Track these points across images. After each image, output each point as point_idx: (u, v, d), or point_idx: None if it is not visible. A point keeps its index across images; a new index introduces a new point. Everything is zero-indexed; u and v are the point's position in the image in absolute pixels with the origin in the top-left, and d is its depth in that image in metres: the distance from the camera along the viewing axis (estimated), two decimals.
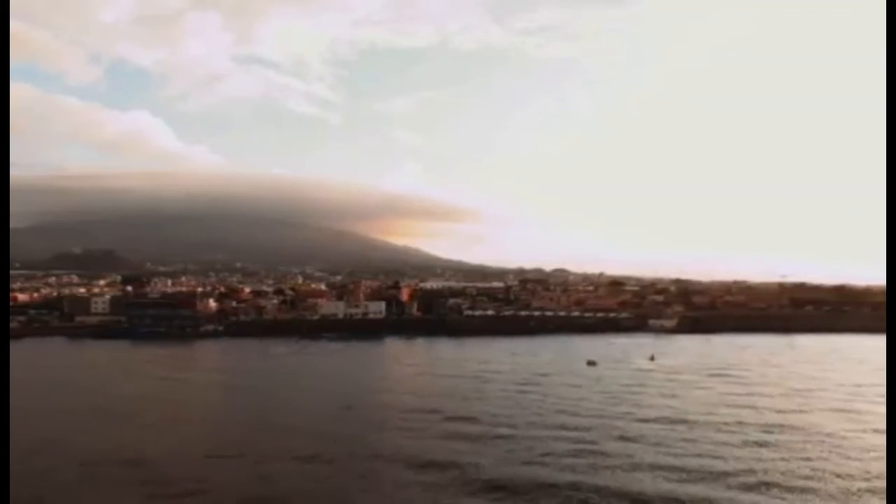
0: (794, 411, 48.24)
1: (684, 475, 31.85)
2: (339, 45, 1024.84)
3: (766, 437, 40.08)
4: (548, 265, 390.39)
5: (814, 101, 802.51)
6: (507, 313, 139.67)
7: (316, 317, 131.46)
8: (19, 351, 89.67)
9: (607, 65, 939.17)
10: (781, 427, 42.67)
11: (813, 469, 33.24)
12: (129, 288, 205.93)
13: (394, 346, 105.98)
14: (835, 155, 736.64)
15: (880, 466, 32.56)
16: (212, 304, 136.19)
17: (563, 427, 42.41)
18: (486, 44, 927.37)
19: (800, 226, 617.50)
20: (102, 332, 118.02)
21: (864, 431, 41.68)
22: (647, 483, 30.62)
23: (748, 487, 30.00)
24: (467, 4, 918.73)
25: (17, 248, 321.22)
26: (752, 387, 59.54)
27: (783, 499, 28.84)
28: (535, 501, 28.48)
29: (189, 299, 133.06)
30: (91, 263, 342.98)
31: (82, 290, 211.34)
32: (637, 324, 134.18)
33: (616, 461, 34.20)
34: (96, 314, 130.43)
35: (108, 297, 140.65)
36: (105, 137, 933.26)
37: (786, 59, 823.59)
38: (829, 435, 40.72)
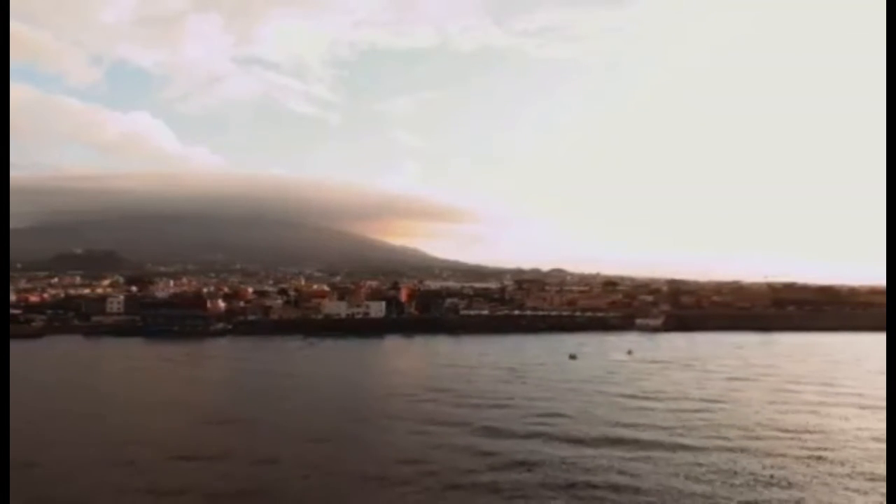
0: (732, 391, 58.50)
1: (621, 427, 42.56)
2: (339, 46, 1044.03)
3: (690, 405, 50.81)
4: (546, 265, 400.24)
5: (814, 101, 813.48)
6: (501, 313, 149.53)
7: (320, 316, 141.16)
8: (49, 348, 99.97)
9: (606, 65, 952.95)
10: (712, 401, 52.90)
11: (707, 424, 44.55)
12: (134, 288, 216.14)
13: (394, 344, 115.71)
14: (834, 155, 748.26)
15: (765, 422, 42.88)
16: (220, 304, 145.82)
17: (537, 398, 53.03)
18: (485, 45, 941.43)
19: (800, 226, 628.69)
20: (118, 330, 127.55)
21: (786, 403, 51.79)
22: (589, 432, 40.88)
23: (666, 445, 40.14)
24: (467, 6, 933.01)
25: (19, 248, 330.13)
26: (706, 373, 69.54)
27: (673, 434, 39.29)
28: (509, 439, 38.90)
29: (200, 299, 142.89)
30: (92, 264, 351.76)
31: (87, 290, 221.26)
32: (624, 323, 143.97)
33: (569, 419, 44.91)
34: (111, 314, 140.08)
35: (122, 297, 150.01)
36: (105, 138, 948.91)
37: (785, 60, 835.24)
38: (743, 405, 51.20)
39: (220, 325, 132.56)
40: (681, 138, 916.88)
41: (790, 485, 31.60)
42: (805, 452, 37.25)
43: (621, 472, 32.99)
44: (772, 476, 32.84)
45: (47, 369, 76.74)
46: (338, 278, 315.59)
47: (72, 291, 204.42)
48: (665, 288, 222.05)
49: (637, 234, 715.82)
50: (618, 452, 36.88)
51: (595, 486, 30.84)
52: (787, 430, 43.26)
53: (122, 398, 57.35)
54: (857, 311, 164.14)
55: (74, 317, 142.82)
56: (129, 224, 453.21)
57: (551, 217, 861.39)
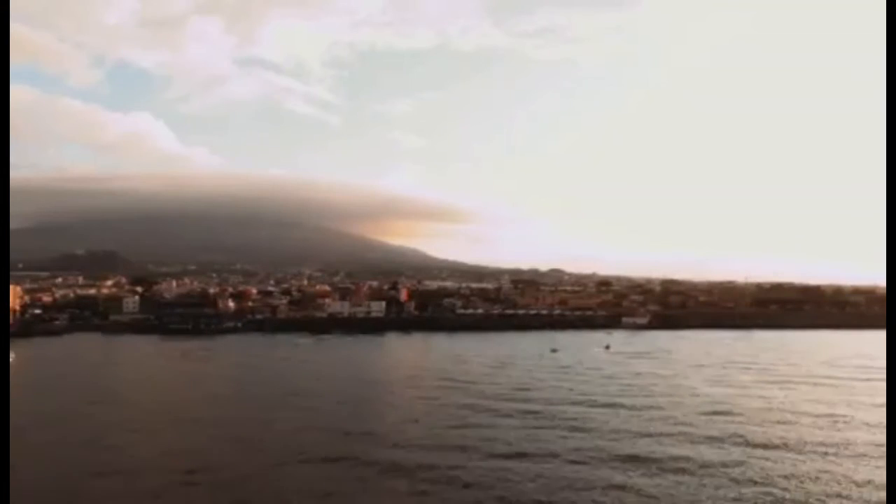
0: (678, 373, 70.95)
1: (575, 394, 56.03)
2: (339, 47, 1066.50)
3: (639, 380, 63.59)
4: (544, 265, 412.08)
5: (813, 101, 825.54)
6: (495, 312, 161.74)
7: (324, 315, 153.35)
8: (76, 344, 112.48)
9: (606, 66, 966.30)
10: (658, 380, 65.51)
11: (644, 394, 58.02)
12: (140, 288, 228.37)
13: (394, 340, 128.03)
14: (834, 155, 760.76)
15: (686, 391, 55.39)
16: (230, 303, 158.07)
17: (515, 380, 66.32)
18: (485, 45, 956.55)
19: (800, 226, 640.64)
20: (135, 328, 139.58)
21: (716, 381, 64.31)
22: (551, 398, 53.66)
23: (599, 403, 53.12)
24: (467, 7, 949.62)
25: (20, 249, 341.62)
26: (667, 362, 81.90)
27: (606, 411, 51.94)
28: (488, 399, 52.10)
29: (211, 299, 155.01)
30: (94, 264, 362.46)
31: (92, 290, 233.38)
32: (612, 321, 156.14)
33: (536, 391, 57.98)
34: (128, 313, 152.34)
35: (137, 298, 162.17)
36: (106, 139, 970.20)
37: (784, 60, 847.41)
38: (680, 382, 63.68)
39: (231, 323, 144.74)
40: (680, 138, 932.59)
41: (672, 421, 43.99)
42: (701, 409, 50.03)
43: (562, 417, 45.82)
44: (669, 418, 46.01)
45: (88, 362, 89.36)
46: (338, 278, 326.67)
47: (80, 292, 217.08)
48: (658, 288, 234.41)
49: (637, 235, 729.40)
50: (564, 408, 49.94)
51: (541, 417, 43.22)
52: (696, 396, 56.90)
53: (180, 385, 69.84)
54: (834, 310, 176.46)
55: (92, 315, 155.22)
56: (129, 225, 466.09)
57: (551, 217, 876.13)
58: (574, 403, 54.07)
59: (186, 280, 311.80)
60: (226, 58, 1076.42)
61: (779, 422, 47.62)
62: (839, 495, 31.04)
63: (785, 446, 40.14)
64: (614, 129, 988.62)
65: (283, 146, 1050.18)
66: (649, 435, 42.23)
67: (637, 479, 32.95)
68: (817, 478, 33.70)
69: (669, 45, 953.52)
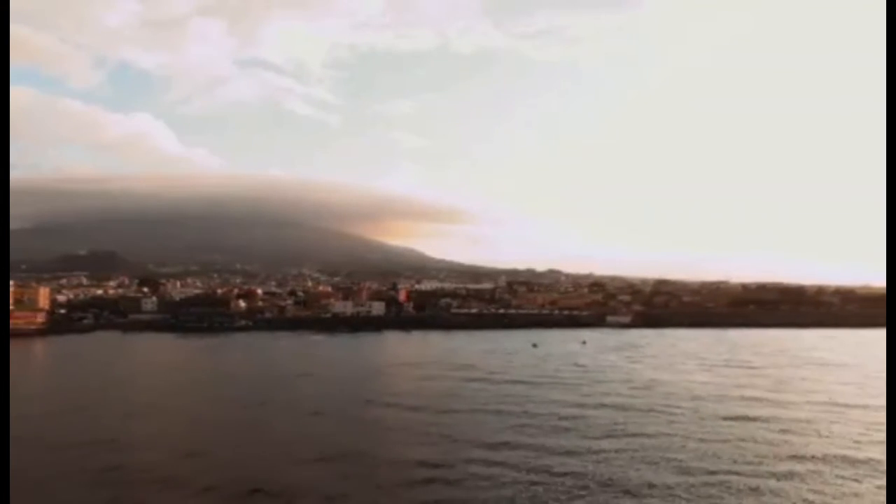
0: (632, 363, 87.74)
1: (539, 377, 71.96)
2: (340, 48, 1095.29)
3: (599, 369, 80.00)
4: (542, 265, 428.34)
5: (813, 102, 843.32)
6: (488, 311, 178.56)
7: (328, 315, 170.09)
8: (106, 342, 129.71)
9: (606, 67, 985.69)
10: (606, 369, 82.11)
11: (599, 380, 73.37)
12: (146, 289, 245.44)
13: (394, 338, 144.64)
14: (834, 155, 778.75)
15: (635, 377, 71.95)
16: (241, 303, 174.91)
17: (495, 366, 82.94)
18: (484, 46, 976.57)
19: (800, 226, 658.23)
20: (154, 326, 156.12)
21: (665, 369, 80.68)
22: (520, 378, 70.03)
23: (548, 381, 69.72)
24: (466, 8, 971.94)
25: (22, 249, 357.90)
26: (634, 356, 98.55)
27: (557, 387, 67.88)
28: (473, 381, 68.30)
29: (221, 300, 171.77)
30: (95, 265, 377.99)
31: (99, 291, 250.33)
32: (597, 320, 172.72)
33: (510, 374, 74.51)
34: (146, 312, 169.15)
35: (154, 298, 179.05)
36: (107, 140, 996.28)
37: (784, 60, 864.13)
38: (631, 370, 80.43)
39: (243, 322, 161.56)
40: (680, 139, 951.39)
41: (609, 406, 60.27)
42: (637, 393, 65.95)
43: (524, 396, 62.11)
44: (595, 392, 62.56)
45: (127, 355, 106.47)
46: (337, 279, 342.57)
47: (87, 292, 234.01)
48: (647, 289, 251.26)
49: (636, 234, 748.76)
50: (523, 389, 66.31)
51: (501, 388, 59.81)
52: (631, 377, 73.25)
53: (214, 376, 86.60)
54: (809, 309, 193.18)
55: (110, 315, 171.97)
56: (129, 225, 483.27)
57: (549, 217, 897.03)
58: (539, 385, 69.07)
59: (189, 280, 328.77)
60: (227, 59, 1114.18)
61: (670, 393, 63.39)
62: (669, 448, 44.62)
63: (653, 411, 54.73)
64: (613, 130, 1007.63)
65: (283, 147, 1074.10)
66: (567, 403, 58.16)
67: (528, 426, 48.95)
68: (659, 434, 47.64)
69: (669, 46, 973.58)
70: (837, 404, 59.00)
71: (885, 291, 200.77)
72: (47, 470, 37.30)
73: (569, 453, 40.91)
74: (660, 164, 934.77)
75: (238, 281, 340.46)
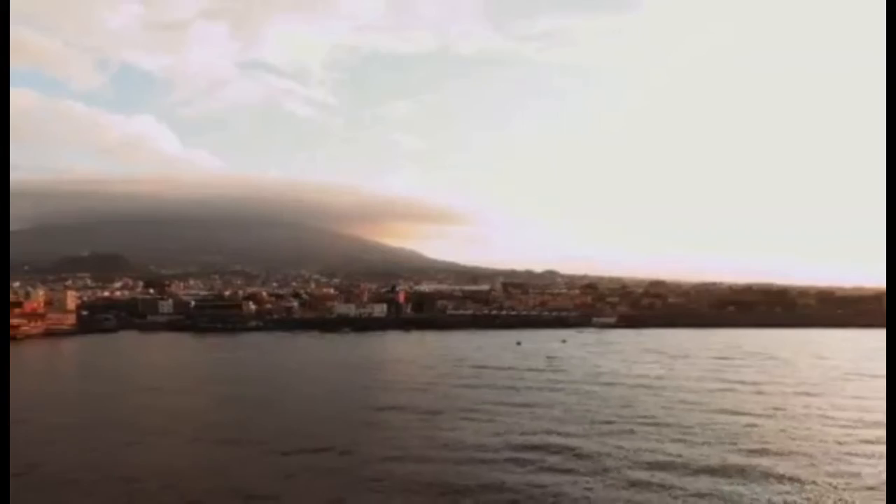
0: (600, 358, 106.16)
1: (519, 369, 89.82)
2: (340, 50, 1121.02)
3: (571, 362, 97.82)
4: (540, 267, 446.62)
5: (814, 101, 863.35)
6: (483, 312, 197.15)
7: (333, 316, 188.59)
8: (133, 340, 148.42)
9: (604, 70, 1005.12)
10: (576, 363, 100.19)
11: (571, 369, 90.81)
12: (152, 290, 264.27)
13: (395, 337, 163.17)
14: (834, 155, 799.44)
15: (600, 370, 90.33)
16: (252, 305, 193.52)
17: (480, 359, 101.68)
18: (485, 49, 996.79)
19: (800, 226, 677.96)
20: (172, 326, 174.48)
21: (628, 362, 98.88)
22: (500, 365, 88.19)
23: (534, 368, 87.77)
24: (467, 10, 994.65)
25: (24, 250, 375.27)
26: (607, 352, 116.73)
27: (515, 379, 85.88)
28: (461, 368, 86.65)
29: (235, 302, 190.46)
30: (98, 266, 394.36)
31: (106, 293, 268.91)
32: (584, 320, 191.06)
33: (490, 364, 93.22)
34: (164, 313, 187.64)
35: (171, 300, 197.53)
36: (109, 142, 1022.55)
37: (784, 60, 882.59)
38: (588, 362, 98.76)
39: (254, 323, 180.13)
40: (679, 141, 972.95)
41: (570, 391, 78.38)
42: (586, 375, 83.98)
43: (504, 381, 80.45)
44: (557, 380, 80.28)
45: (154, 351, 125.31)
46: (337, 280, 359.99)
47: (105, 293, 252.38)
48: (640, 290, 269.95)
49: (636, 236, 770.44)
50: (506, 373, 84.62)
51: (483, 375, 78.01)
52: (603, 374, 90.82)
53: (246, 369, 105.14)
54: (783, 311, 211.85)
55: (128, 316, 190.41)
56: (130, 226, 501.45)
57: (548, 219, 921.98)
58: (518, 370, 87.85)
59: (192, 282, 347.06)
60: (228, 61, 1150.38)
61: (611, 383, 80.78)
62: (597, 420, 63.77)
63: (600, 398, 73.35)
64: (613, 132, 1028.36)
65: (284, 148, 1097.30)
66: (532, 388, 76.36)
67: (499, 399, 67.41)
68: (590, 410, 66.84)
69: (667, 48, 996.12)
70: (728, 381, 78.59)
71: (872, 292, 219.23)
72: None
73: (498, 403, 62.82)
74: (660, 166, 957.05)
75: (239, 282, 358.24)
